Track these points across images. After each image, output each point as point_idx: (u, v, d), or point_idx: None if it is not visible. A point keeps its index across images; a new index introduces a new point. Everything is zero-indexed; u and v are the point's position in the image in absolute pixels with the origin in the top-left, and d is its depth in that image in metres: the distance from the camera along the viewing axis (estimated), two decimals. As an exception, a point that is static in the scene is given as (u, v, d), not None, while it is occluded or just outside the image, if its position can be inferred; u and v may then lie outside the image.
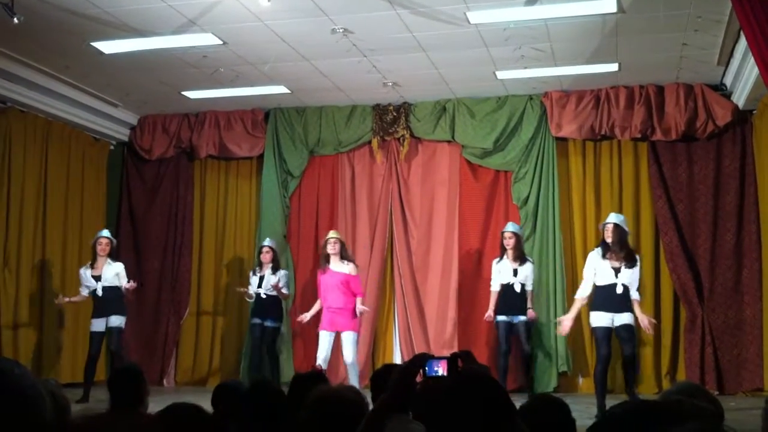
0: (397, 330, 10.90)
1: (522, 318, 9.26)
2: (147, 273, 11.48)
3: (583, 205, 10.47)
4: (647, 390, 9.74)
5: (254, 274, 10.22)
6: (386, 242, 10.98)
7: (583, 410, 7.59)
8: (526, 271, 9.35)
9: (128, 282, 9.49)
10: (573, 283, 10.27)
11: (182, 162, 11.69)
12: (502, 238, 9.43)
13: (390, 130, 10.86)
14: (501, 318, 9.29)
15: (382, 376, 3.92)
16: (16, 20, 7.13)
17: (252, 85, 10.08)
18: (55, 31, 8.26)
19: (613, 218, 8.46)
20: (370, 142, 11.00)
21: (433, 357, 3.18)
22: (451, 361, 3.17)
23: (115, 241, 9.86)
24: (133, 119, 11.64)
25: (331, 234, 9.66)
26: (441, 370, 3.12)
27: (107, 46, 8.72)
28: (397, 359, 10.62)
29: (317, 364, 9.20)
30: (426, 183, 10.93)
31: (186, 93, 10.50)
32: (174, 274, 11.48)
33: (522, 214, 10.40)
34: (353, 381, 9.04)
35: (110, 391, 4.53)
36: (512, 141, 10.56)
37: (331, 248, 9.46)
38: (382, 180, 11.04)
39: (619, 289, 8.17)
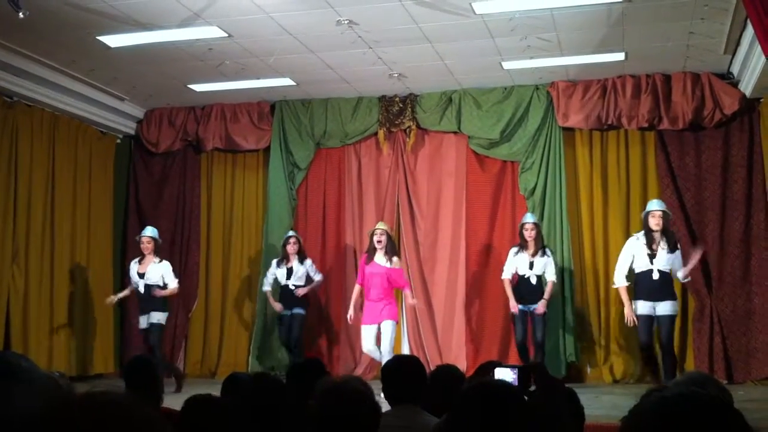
0: (405, 321, 10.89)
1: (539, 311, 9.18)
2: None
3: (591, 195, 10.45)
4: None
5: (278, 266, 10.19)
6: (394, 234, 10.97)
7: (591, 399, 7.59)
8: (543, 263, 9.29)
9: (163, 287, 9.66)
10: (580, 272, 10.30)
11: (189, 155, 11.71)
12: (522, 229, 9.37)
13: (396, 122, 10.85)
14: (519, 307, 9.25)
15: (393, 368, 3.93)
16: (21, 15, 7.12)
17: (258, 78, 10.08)
18: (61, 26, 8.27)
19: (657, 205, 8.57)
20: (376, 134, 10.99)
21: (501, 364, 3.16)
22: (523, 371, 3.14)
23: (159, 239, 9.93)
24: (139, 113, 11.66)
25: (378, 226, 9.62)
26: (510, 378, 3.09)
27: (113, 40, 8.73)
28: (405, 350, 10.64)
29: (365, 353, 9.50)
30: (433, 174, 10.92)
31: (192, 86, 10.51)
32: (182, 267, 11.48)
33: (529, 204, 10.39)
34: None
35: (125, 381, 4.64)
36: (519, 131, 10.55)
37: (377, 240, 9.43)
38: (389, 171, 11.04)
39: (656, 275, 8.29)
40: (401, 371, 3.84)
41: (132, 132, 11.76)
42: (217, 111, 11.39)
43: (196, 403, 3.04)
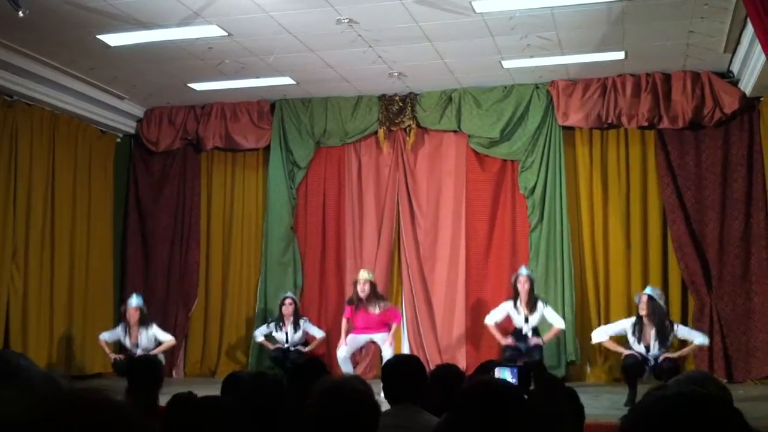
0: (405, 320, 10.88)
1: (535, 356, 8.99)
2: (155, 265, 11.50)
3: (591, 194, 10.44)
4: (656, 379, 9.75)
5: (278, 329, 10.01)
6: (393, 233, 10.98)
7: (591, 398, 7.60)
8: (539, 316, 9.15)
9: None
10: (580, 272, 10.29)
11: (189, 154, 11.70)
12: (516, 281, 9.24)
13: (396, 121, 10.85)
14: (509, 341, 9.16)
15: (393, 367, 3.93)
16: (21, 14, 7.12)
17: (257, 77, 10.07)
18: (61, 25, 8.26)
19: (647, 291, 8.52)
20: (376, 133, 10.98)
21: (501, 364, 3.16)
22: (523, 371, 3.14)
23: (145, 309, 9.76)
24: (139, 111, 11.65)
25: (362, 275, 9.67)
26: (510, 377, 3.10)
27: (113, 39, 8.72)
28: (405, 350, 10.63)
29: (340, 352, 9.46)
30: (433, 173, 10.92)
31: (192, 85, 10.50)
32: (182, 266, 11.49)
33: (529, 203, 10.39)
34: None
35: (128, 378, 4.72)
36: (519, 130, 10.54)
37: (361, 290, 9.50)
38: (389, 170, 11.04)
39: (651, 363, 8.28)
40: (401, 370, 3.83)
41: (132, 131, 11.75)
42: (217, 110, 11.38)
43: (177, 402, 3.07)
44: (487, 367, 3.33)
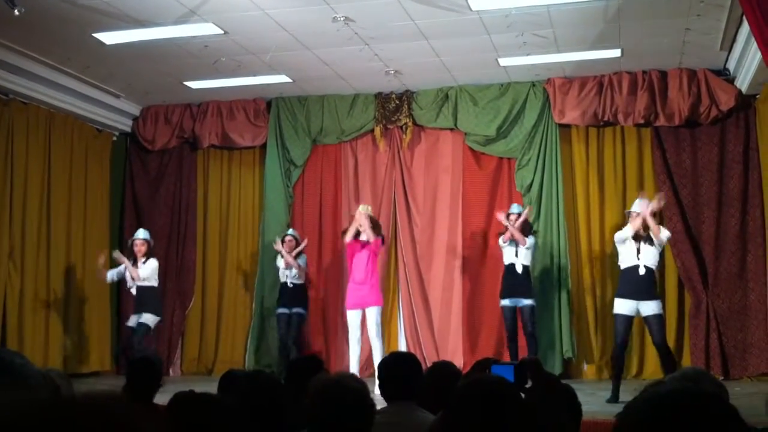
0: (401, 318, 10.90)
1: (526, 301, 9.18)
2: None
3: (587, 191, 10.45)
4: (653, 375, 9.75)
5: (279, 259, 10.22)
6: (390, 231, 10.97)
7: (588, 395, 7.60)
8: (527, 246, 9.28)
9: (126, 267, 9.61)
10: (577, 269, 10.31)
11: (185, 152, 11.69)
12: (507, 219, 9.30)
13: (393, 119, 10.84)
14: (505, 303, 9.25)
15: (390, 365, 3.93)
16: (17, 12, 7.12)
17: (254, 75, 10.07)
18: (57, 23, 8.26)
19: (636, 206, 8.44)
20: (372, 131, 10.98)
21: (498, 362, 3.15)
22: (519, 368, 3.13)
23: (151, 241, 9.87)
24: (135, 110, 11.63)
25: (360, 209, 9.56)
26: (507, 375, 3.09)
27: (109, 37, 8.71)
28: (402, 347, 10.63)
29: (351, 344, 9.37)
30: (429, 171, 10.92)
31: (188, 83, 10.50)
32: (178, 264, 11.49)
33: (525, 201, 10.38)
34: (377, 357, 8.95)
35: (127, 377, 4.75)
36: (515, 128, 10.54)
37: (359, 225, 9.42)
38: (385, 168, 11.04)
39: (642, 271, 8.11)
40: (398, 368, 3.83)
41: (128, 129, 11.74)
42: (213, 108, 11.37)
43: (180, 400, 3.06)
44: (484, 364, 3.33)
